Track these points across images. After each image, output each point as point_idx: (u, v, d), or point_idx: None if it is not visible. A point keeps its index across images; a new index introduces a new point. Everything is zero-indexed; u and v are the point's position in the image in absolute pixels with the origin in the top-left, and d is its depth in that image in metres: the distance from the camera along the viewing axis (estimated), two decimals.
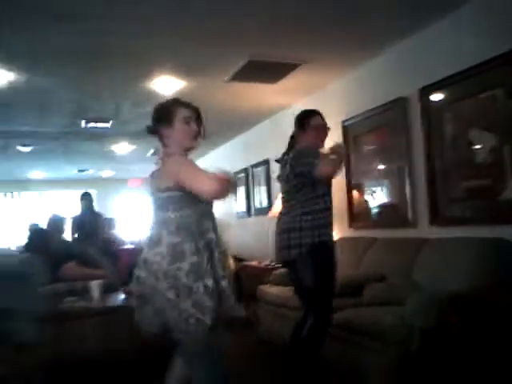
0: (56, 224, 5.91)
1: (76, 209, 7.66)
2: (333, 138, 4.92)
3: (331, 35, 4.18)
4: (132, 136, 7.74)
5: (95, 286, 4.25)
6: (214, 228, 2.45)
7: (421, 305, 2.92)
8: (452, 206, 3.86)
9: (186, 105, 2.49)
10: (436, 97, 4.01)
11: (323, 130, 3.14)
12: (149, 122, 2.53)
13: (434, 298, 2.98)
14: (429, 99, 4.07)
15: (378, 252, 4.17)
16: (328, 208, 3.07)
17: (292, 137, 3.28)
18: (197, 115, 2.49)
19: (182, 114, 2.44)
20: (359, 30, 4.10)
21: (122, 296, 4.28)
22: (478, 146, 3.64)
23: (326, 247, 3.04)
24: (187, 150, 2.48)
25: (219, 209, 9.99)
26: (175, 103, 2.50)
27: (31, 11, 3.47)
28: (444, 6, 3.70)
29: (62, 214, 6.21)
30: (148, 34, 3.96)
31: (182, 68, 4.85)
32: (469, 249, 3.31)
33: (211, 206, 2.47)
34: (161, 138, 2.49)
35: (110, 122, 6.77)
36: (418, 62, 4.23)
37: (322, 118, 3.19)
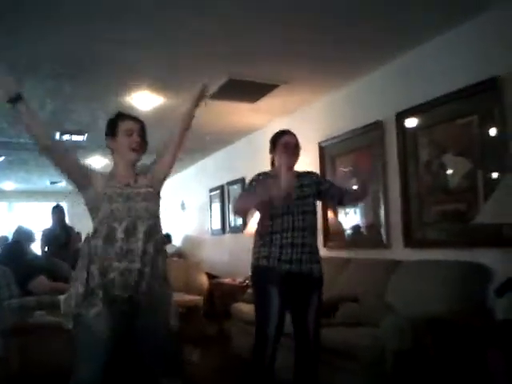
0: (22, 236, 5.80)
1: (47, 221, 7.52)
2: (309, 159, 5.01)
3: (311, 57, 4.24)
4: (106, 149, 7.66)
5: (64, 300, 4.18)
6: None
7: (395, 326, 2.94)
8: (426, 228, 3.92)
9: (130, 117, 2.52)
10: (412, 121, 4.09)
11: (292, 148, 3.11)
12: None
13: (409, 320, 3.00)
14: (405, 124, 4.15)
15: (352, 272, 4.19)
16: (271, 231, 2.97)
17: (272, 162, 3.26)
18: (141, 128, 2.50)
19: (124, 126, 2.47)
20: (338, 54, 4.17)
21: None
22: (452, 171, 3.72)
23: (260, 268, 2.97)
24: (129, 162, 2.49)
25: (194, 224, 9.88)
26: (119, 116, 2.53)
27: (8, 21, 3.43)
28: (421, 34, 3.79)
29: (28, 226, 6.10)
30: (127, 48, 3.95)
31: (160, 84, 4.85)
32: (442, 271, 3.36)
33: None
34: (110, 152, 2.54)
35: (85, 134, 6.70)
36: (395, 87, 4.32)
37: (292, 138, 3.16)
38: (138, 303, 2.35)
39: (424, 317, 2.92)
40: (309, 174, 3.22)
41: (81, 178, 2.40)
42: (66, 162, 2.39)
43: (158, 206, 2.51)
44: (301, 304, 2.97)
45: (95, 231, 2.35)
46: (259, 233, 3.06)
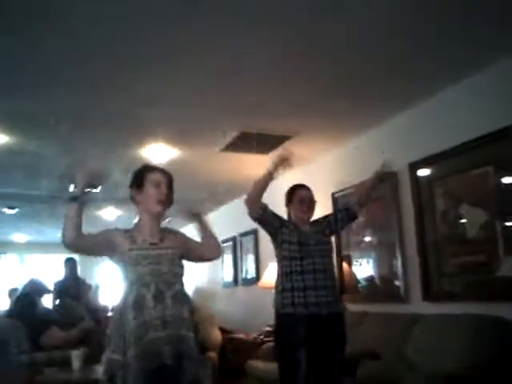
0: (33, 288, 5.75)
1: (59, 273, 7.48)
2: (322, 209, 4.97)
3: (322, 110, 4.29)
4: (120, 201, 7.70)
5: (76, 355, 4.08)
6: None
7: None
8: (445, 281, 3.83)
9: (158, 170, 2.49)
10: (426, 172, 4.07)
11: (307, 202, 3.19)
12: None
13: (428, 378, 2.89)
14: (418, 174, 4.13)
15: (370, 327, 4.06)
16: (291, 272, 2.99)
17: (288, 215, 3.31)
18: (168, 181, 2.47)
19: (152, 177, 2.43)
20: (352, 105, 4.21)
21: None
22: (469, 222, 3.66)
23: (285, 318, 2.95)
24: (155, 215, 2.43)
25: (205, 275, 9.72)
26: (146, 167, 2.51)
27: (25, 75, 3.52)
28: (434, 85, 3.83)
29: (40, 278, 6.05)
30: (143, 102, 4.02)
31: (175, 137, 4.91)
32: (464, 326, 3.24)
33: None
34: (135, 204, 2.49)
35: (99, 187, 6.74)
36: (408, 138, 4.33)
37: (307, 192, 3.25)
38: (176, 369, 2.24)
39: (442, 374, 2.83)
40: (320, 220, 3.28)
41: (108, 250, 2.35)
42: (90, 249, 2.40)
43: (183, 269, 2.43)
44: (325, 358, 2.95)
45: (125, 297, 2.28)
46: (279, 276, 3.07)
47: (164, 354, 2.20)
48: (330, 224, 3.25)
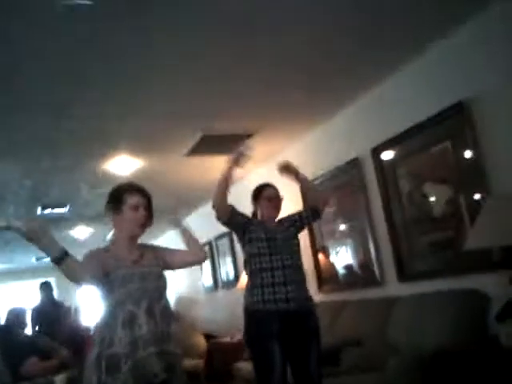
0: (16, 318, 5.64)
1: (35, 299, 7.36)
2: (292, 200, 4.99)
3: (281, 104, 4.30)
4: (90, 219, 7.61)
5: (60, 380, 4.04)
6: None
7: (401, 367, 2.85)
8: (418, 260, 3.87)
9: (137, 190, 2.43)
10: (388, 154, 4.12)
11: (275, 200, 3.22)
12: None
13: (414, 358, 2.92)
14: (381, 158, 4.18)
15: (351, 314, 4.10)
16: (260, 269, 2.98)
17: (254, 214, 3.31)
18: (147, 203, 2.43)
19: (131, 200, 2.38)
20: (309, 96, 4.23)
21: None
22: (434, 199, 3.72)
23: (256, 314, 2.94)
24: (133, 237, 2.41)
25: (185, 283, 9.66)
26: (125, 189, 2.43)
27: None
28: (386, 66, 3.86)
29: (21, 306, 5.94)
30: (99, 115, 3.99)
31: (137, 147, 4.87)
32: (440, 303, 3.29)
33: None
34: (112, 223, 2.44)
35: (67, 206, 6.66)
36: (367, 123, 4.38)
37: (274, 190, 3.26)
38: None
39: (429, 352, 2.86)
40: (288, 217, 3.28)
41: (98, 273, 2.23)
42: (95, 279, 2.25)
43: (167, 284, 2.41)
44: (301, 353, 2.93)
45: (112, 316, 2.22)
46: (249, 274, 3.07)
47: (156, 369, 2.19)
48: (297, 220, 3.25)
